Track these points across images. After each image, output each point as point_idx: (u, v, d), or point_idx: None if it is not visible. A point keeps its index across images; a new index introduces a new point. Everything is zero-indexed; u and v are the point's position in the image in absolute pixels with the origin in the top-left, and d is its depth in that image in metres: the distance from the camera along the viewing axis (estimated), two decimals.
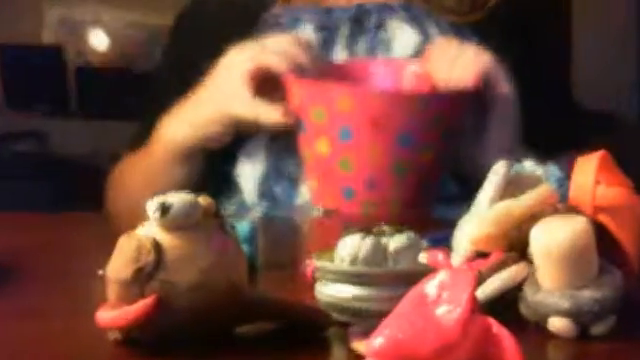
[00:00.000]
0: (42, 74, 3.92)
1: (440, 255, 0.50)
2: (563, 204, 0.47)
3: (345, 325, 0.44)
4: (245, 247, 0.56)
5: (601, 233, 0.46)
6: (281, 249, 0.77)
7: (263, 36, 0.97)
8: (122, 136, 1.17)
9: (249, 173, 1.00)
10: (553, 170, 0.54)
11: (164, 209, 0.41)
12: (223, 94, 0.93)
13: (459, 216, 0.54)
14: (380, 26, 1.02)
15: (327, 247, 0.48)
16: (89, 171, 1.14)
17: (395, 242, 0.45)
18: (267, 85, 0.90)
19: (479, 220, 0.48)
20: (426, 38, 1.00)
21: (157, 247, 0.41)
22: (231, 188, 1.02)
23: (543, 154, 0.94)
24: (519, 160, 0.54)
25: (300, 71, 0.89)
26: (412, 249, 0.45)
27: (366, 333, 0.37)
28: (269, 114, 0.89)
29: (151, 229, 0.42)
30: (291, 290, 0.55)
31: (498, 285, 0.45)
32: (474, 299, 0.35)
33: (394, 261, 0.45)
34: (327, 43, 1.02)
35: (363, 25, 1.03)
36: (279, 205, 0.98)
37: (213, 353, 0.41)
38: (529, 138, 0.96)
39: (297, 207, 0.98)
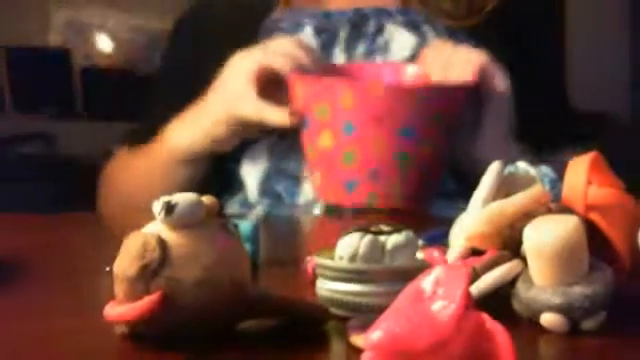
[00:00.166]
0: (49, 76, 3.90)
1: (436, 252, 0.52)
2: (555, 204, 0.48)
3: (344, 320, 0.44)
4: (247, 245, 0.57)
5: (592, 232, 0.47)
6: (282, 247, 0.78)
7: (264, 40, 0.98)
8: None
9: (252, 172, 1.01)
10: (546, 171, 0.55)
11: (169, 208, 0.41)
12: (229, 96, 0.94)
13: (456, 214, 0.55)
14: (378, 30, 1.03)
15: (327, 246, 0.49)
16: (96, 172, 1.14)
17: (392, 240, 0.46)
18: (271, 87, 0.91)
19: (474, 219, 0.48)
20: (423, 42, 1.01)
21: (162, 245, 0.41)
22: (235, 187, 1.03)
23: (537, 155, 0.95)
24: (513, 161, 0.55)
25: (303, 71, 0.90)
26: (409, 247, 0.46)
27: (364, 327, 0.37)
28: (275, 115, 0.90)
29: (156, 227, 0.42)
30: (292, 287, 0.56)
31: (492, 282, 0.45)
32: (468, 295, 0.35)
33: (391, 258, 0.46)
34: (326, 46, 1.03)
35: (361, 29, 1.03)
36: (281, 203, 0.99)
37: (216, 348, 0.41)
38: (524, 139, 0.97)
39: (299, 205, 0.99)
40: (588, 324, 0.44)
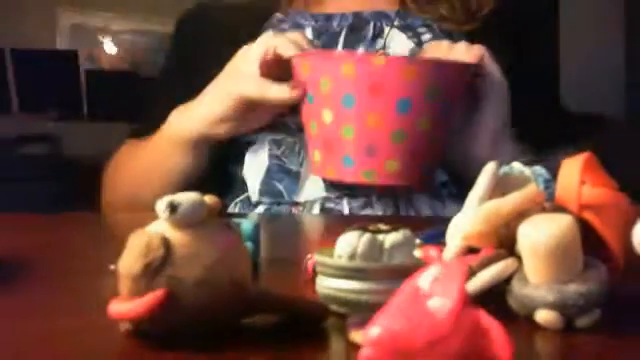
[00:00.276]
0: (54, 78, 3.90)
1: (433, 251, 0.52)
2: (550, 203, 0.48)
3: (344, 317, 0.45)
4: (248, 244, 0.58)
5: (587, 231, 0.48)
6: (283, 246, 0.78)
7: None
8: None
9: (253, 171, 1.01)
10: (540, 171, 0.55)
11: (173, 207, 0.42)
12: (232, 76, 0.95)
13: (452, 214, 0.55)
14: (377, 34, 1.04)
15: (327, 244, 0.49)
16: (99, 173, 1.15)
17: (391, 239, 0.46)
18: (274, 73, 0.92)
19: (470, 218, 0.49)
20: (421, 46, 1.02)
21: (166, 243, 0.42)
22: (237, 188, 1.03)
23: (536, 155, 0.96)
24: (513, 160, 0.56)
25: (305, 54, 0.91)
26: (406, 245, 0.47)
27: (363, 324, 0.37)
28: (276, 90, 0.91)
29: (160, 226, 0.43)
30: (292, 285, 0.57)
31: (488, 279, 0.46)
32: (465, 292, 0.36)
33: (389, 257, 0.46)
34: (326, 49, 1.03)
35: (361, 33, 1.04)
36: (282, 201, 1.00)
37: (218, 345, 0.42)
38: (519, 141, 0.98)
39: (299, 203, 1.00)
40: (582, 321, 0.45)
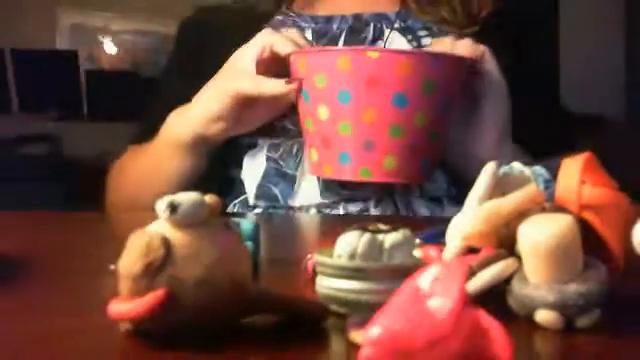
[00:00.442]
0: (54, 78, 3.91)
1: (433, 250, 0.52)
2: (550, 203, 0.48)
3: (343, 317, 0.45)
4: (248, 244, 0.58)
5: (587, 231, 0.48)
6: (283, 246, 0.78)
7: None
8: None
9: (251, 174, 1.01)
10: (540, 171, 0.55)
11: (173, 207, 0.42)
12: (228, 74, 0.95)
13: (452, 214, 0.55)
14: (377, 36, 1.04)
15: (327, 244, 0.49)
16: (99, 173, 1.15)
17: (390, 239, 0.46)
18: (271, 71, 0.92)
19: (471, 218, 0.49)
20: (419, 45, 1.02)
21: (166, 243, 0.42)
22: (237, 190, 1.03)
23: (533, 156, 0.96)
24: (514, 161, 0.56)
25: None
26: (406, 245, 0.47)
27: (363, 324, 0.37)
28: (272, 85, 0.91)
29: (160, 226, 0.43)
30: (292, 285, 0.57)
31: (488, 279, 0.46)
32: (465, 292, 0.36)
33: (389, 256, 0.46)
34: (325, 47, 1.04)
35: (361, 35, 1.04)
36: (277, 205, 1.00)
37: (218, 345, 0.42)
38: (520, 142, 0.98)
39: (294, 207, 1.00)
40: (582, 321, 0.45)
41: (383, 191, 0.98)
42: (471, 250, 0.50)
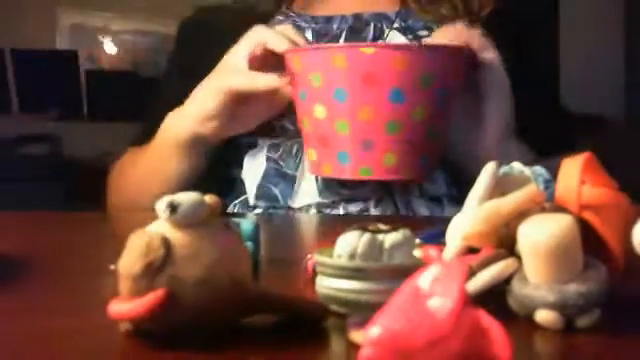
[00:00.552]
0: (54, 78, 3.91)
1: (433, 250, 0.52)
2: (550, 203, 0.48)
3: (343, 317, 0.45)
4: (248, 244, 0.58)
5: (587, 231, 0.48)
6: (283, 246, 0.78)
7: None
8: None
9: (251, 175, 1.01)
10: (540, 171, 0.55)
11: (173, 207, 0.42)
12: (222, 71, 0.94)
13: (452, 214, 0.55)
14: (378, 36, 1.04)
15: (327, 244, 0.49)
16: (99, 173, 1.16)
17: (390, 239, 0.47)
18: (265, 68, 0.91)
19: (470, 218, 0.49)
20: (419, 40, 1.02)
21: (166, 243, 0.42)
22: (238, 191, 1.03)
23: (534, 156, 0.95)
24: (509, 162, 0.56)
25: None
26: (406, 245, 0.47)
27: (363, 324, 0.38)
28: (265, 80, 0.90)
29: (160, 226, 0.43)
30: (292, 285, 0.57)
31: (488, 279, 0.46)
32: (465, 292, 0.36)
33: (389, 256, 0.46)
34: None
35: (361, 34, 1.04)
36: (277, 205, 1.00)
37: (218, 345, 0.42)
38: (520, 141, 0.97)
39: (295, 208, 1.00)
40: (583, 321, 0.45)
41: (383, 191, 0.98)
42: (471, 250, 0.51)
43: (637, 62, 3.60)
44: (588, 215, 0.48)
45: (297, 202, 1.00)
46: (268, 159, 1.01)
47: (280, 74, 0.90)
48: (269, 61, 0.91)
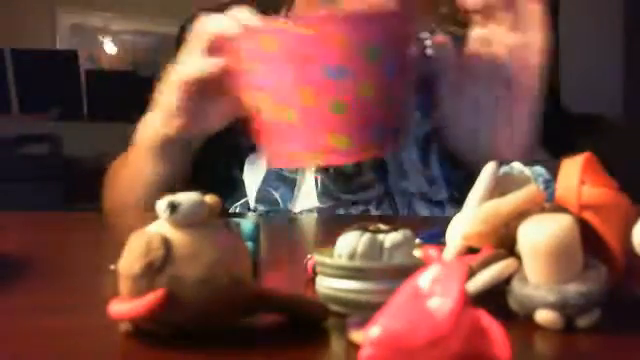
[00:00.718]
0: (54, 78, 3.91)
1: (433, 250, 0.52)
2: (550, 203, 0.48)
3: (343, 317, 0.45)
4: (248, 244, 0.58)
5: (587, 231, 0.48)
6: (283, 246, 0.78)
7: None
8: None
9: (252, 178, 1.01)
10: (540, 171, 0.56)
11: (173, 207, 0.42)
12: (179, 63, 0.90)
13: (452, 215, 0.55)
14: None
15: (327, 244, 0.49)
16: (99, 173, 1.15)
17: (390, 239, 0.46)
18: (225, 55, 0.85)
19: (470, 218, 0.49)
20: (423, 50, 1.02)
21: (166, 243, 0.42)
22: (238, 191, 1.03)
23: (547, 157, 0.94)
24: (508, 162, 0.56)
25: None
26: (406, 245, 0.47)
27: (363, 324, 0.38)
28: (213, 62, 0.85)
29: (160, 226, 0.43)
30: (292, 284, 0.57)
31: (488, 279, 0.46)
32: (465, 292, 0.36)
33: (390, 256, 0.46)
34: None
35: None
36: (277, 209, 1.00)
37: (218, 345, 0.42)
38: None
39: (295, 212, 1.00)
40: (583, 321, 0.45)
41: (384, 195, 0.98)
42: (471, 250, 0.51)
43: (637, 62, 3.60)
44: (588, 215, 0.48)
45: (297, 206, 1.00)
46: (267, 165, 1.01)
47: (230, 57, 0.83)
48: (225, 48, 0.84)
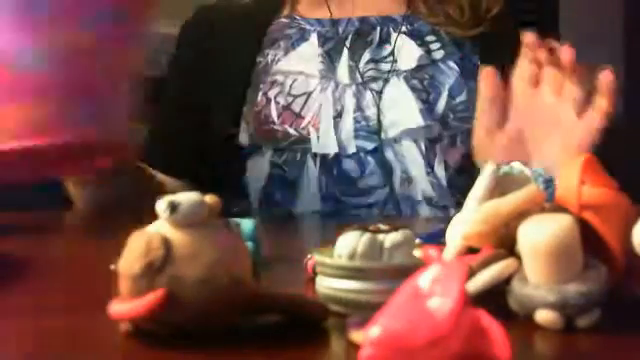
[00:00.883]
0: None
1: (433, 250, 0.52)
2: (550, 203, 0.48)
3: (344, 316, 0.45)
4: (249, 244, 0.58)
5: (587, 231, 0.47)
6: (283, 246, 0.78)
7: (269, 46, 0.97)
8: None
9: (254, 179, 1.01)
10: (540, 171, 0.55)
11: (173, 207, 0.42)
12: None
13: (452, 215, 0.55)
14: (384, 39, 1.03)
15: (327, 244, 0.49)
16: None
17: (390, 239, 0.47)
18: None
19: (470, 218, 0.49)
20: (428, 52, 1.02)
21: (166, 243, 0.42)
22: (242, 195, 1.03)
23: None
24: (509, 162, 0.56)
25: None
26: (406, 245, 0.47)
27: (363, 324, 0.38)
28: None
29: (160, 226, 0.43)
30: (293, 284, 0.57)
31: (488, 279, 0.46)
32: (465, 292, 0.36)
33: (389, 256, 0.46)
34: (332, 54, 1.03)
35: (367, 38, 1.04)
36: (279, 211, 1.00)
37: (218, 345, 0.42)
38: None
39: (296, 214, 0.99)
40: (583, 321, 0.45)
41: (388, 198, 0.97)
42: (471, 250, 0.51)
43: (637, 62, 3.60)
44: (588, 215, 0.48)
45: (299, 208, 0.99)
46: (271, 165, 1.01)
47: None
48: None
